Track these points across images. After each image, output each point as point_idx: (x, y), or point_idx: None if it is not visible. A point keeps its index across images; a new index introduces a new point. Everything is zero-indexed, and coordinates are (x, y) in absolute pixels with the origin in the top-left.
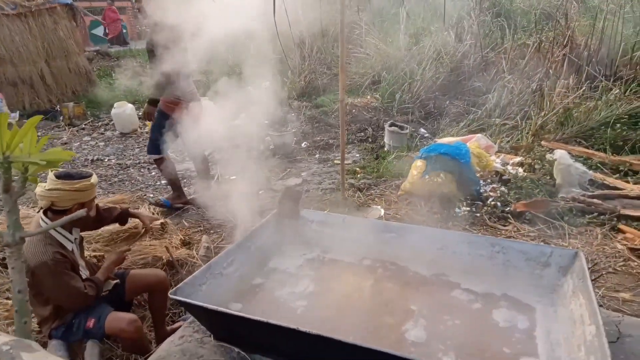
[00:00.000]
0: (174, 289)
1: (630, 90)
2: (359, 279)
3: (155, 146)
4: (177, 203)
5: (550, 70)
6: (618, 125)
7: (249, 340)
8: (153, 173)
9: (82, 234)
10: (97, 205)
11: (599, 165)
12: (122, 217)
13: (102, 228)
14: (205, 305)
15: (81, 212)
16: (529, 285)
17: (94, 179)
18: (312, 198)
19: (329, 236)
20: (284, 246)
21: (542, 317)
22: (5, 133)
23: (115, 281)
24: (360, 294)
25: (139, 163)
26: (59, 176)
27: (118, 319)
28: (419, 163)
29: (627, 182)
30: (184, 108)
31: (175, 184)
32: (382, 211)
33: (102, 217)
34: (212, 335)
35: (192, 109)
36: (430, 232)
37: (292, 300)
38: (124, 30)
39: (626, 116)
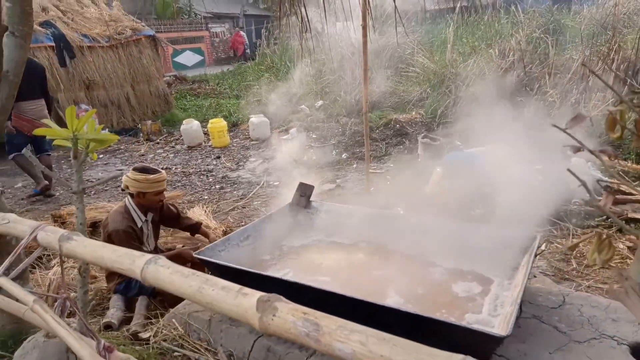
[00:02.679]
0: (197, 250)
1: None
2: (352, 256)
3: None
4: (39, 188)
5: (590, 83)
6: None
7: None
8: (210, 180)
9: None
10: (174, 205)
11: (620, 173)
12: (194, 228)
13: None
14: (216, 261)
15: (117, 174)
16: (493, 262)
17: (162, 174)
18: (342, 201)
19: (334, 223)
20: (295, 230)
21: (496, 287)
22: (75, 120)
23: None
24: (350, 267)
25: (199, 171)
26: (135, 169)
27: None
28: (438, 169)
29: None
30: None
31: (30, 173)
32: (402, 212)
33: (176, 216)
34: None
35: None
36: (416, 219)
37: (298, 266)
38: (247, 50)
39: None
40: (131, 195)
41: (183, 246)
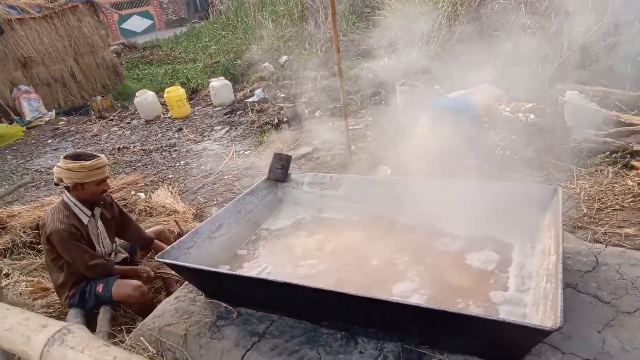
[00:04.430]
0: (161, 252)
1: None
2: (345, 234)
3: None
4: None
5: (571, 10)
6: (639, 59)
7: (232, 295)
8: (174, 155)
9: None
10: (121, 210)
11: (616, 103)
12: (146, 243)
13: None
14: (184, 264)
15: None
16: (509, 224)
17: (101, 159)
18: (321, 164)
19: (319, 196)
20: (276, 208)
21: (519, 254)
22: None
23: (124, 255)
24: (345, 249)
25: (160, 147)
26: (67, 157)
27: (124, 285)
28: (424, 119)
29: None
30: None
31: None
32: (389, 170)
33: (122, 223)
34: (203, 294)
35: None
36: (415, 183)
37: (285, 256)
38: None
39: None
40: (68, 189)
41: (149, 255)
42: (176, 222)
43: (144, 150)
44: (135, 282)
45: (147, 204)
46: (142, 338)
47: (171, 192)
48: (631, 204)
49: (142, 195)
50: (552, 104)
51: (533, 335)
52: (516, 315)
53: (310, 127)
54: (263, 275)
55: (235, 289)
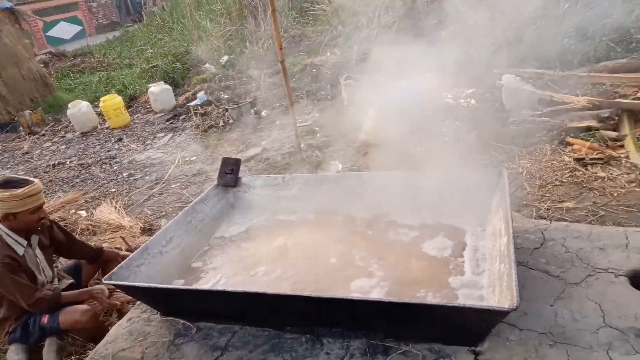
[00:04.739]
0: (108, 274)
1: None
2: (302, 234)
3: None
4: None
5: None
6: (566, 40)
7: (190, 310)
8: (115, 168)
9: None
10: (62, 229)
11: (549, 83)
12: (95, 254)
13: None
14: (134, 284)
15: None
16: (460, 209)
17: (34, 185)
18: (272, 164)
19: (272, 198)
20: (229, 215)
21: (471, 238)
22: None
23: (70, 281)
24: (304, 250)
25: (100, 160)
26: None
27: (71, 311)
28: (371, 112)
29: (577, 95)
30: None
31: None
32: (340, 166)
33: (67, 242)
34: (158, 313)
35: None
36: (365, 177)
37: (241, 264)
38: None
39: (572, 30)
40: None
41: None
42: (123, 238)
43: (81, 164)
44: (83, 307)
45: (89, 222)
46: None
47: (115, 207)
48: (569, 178)
49: (83, 213)
50: (490, 88)
51: (493, 317)
52: (474, 298)
53: (258, 127)
54: (220, 287)
55: (193, 303)
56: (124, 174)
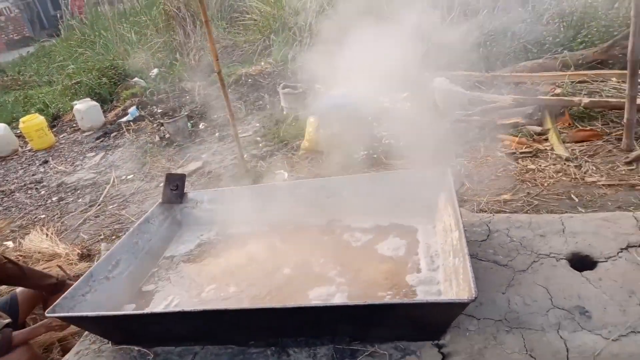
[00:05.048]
0: (51, 306)
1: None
2: (257, 246)
3: None
4: None
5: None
6: (488, 43)
7: (144, 336)
8: (42, 192)
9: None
10: (13, 261)
11: (476, 84)
12: (54, 287)
13: None
14: (80, 314)
15: None
16: (410, 209)
17: None
18: (215, 177)
19: (222, 212)
20: (177, 233)
21: (423, 235)
22: None
23: (7, 320)
24: (260, 262)
25: (24, 185)
26: None
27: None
28: (312, 119)
29: (503, 94)
30: None
31: None
32: (286, 174)
33: (20, 275)
34: (110, 342)
35: None
36: (316, 183)
37: (195, 282)
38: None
39: (492, 34)
40: None
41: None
42: (60, 267)
43: (2, 191)
44: (19, 349)
45: (18, 253)
46: None
47: (47, 234)
48: (503, 172)
49: (9, 244)
50: (423, 91)
51: (453, 309)
52: (432, 294)
53: (196, 140)
54: (175, 308)
55: (148, 328)
56: (54, 199)
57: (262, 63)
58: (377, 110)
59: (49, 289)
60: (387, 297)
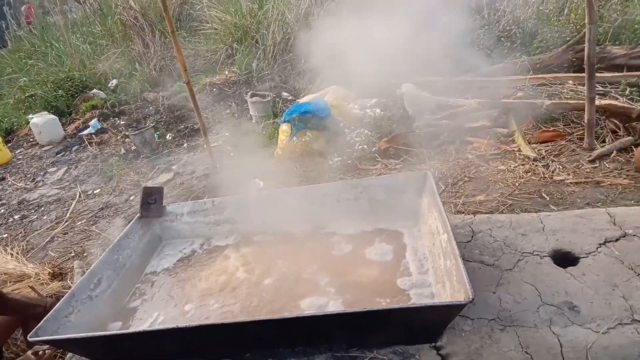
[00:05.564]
0: (33, 329)
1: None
2: (242, 259)
3: None
4: None
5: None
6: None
7: (133, 355)
8: (2, 211)
9: None
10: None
11: (443, 89)
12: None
13: None
14: (69, 336)
15: None
16: (394, 214)
17: None
18: (187, 189)
19: (203, 224)
20: (158, 247)
21: (410, 239)
22: None
23: None
24: (246, 273)
25: None
26: None
27: None
28: (284, 127)
29: (468, 98)
30: None
31: None
32: (262, 183)
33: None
34: None
35: None
36: (299, 192)
37: (181, 297)
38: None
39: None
40: None
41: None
42: (32, 288)
43: None
44: None
45: None
46: None
47: (12, 255)
48: (475, 174)
49: None
50: (392, 96)
51: (451, 312)
52: (425, 296)
53: (164, 151)
54: (164, 325)
55: (138, 347)
56: (15, 217)
57: (226, 72)
58: (347, 116)
59: (38, 318)
60: (382, 302)
